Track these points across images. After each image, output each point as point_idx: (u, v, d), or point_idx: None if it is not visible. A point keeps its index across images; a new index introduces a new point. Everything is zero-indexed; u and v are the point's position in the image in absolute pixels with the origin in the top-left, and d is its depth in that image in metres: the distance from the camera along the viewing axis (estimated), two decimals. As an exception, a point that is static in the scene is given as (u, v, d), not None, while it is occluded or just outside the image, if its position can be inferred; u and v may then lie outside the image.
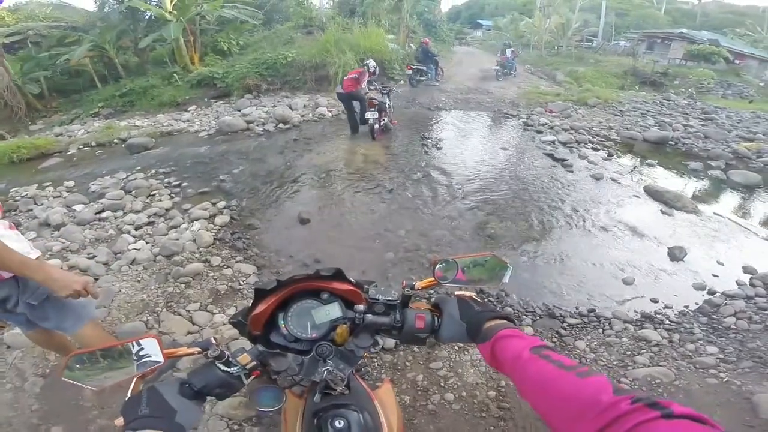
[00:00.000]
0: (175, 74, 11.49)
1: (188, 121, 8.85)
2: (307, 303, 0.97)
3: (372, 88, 6.98)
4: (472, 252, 1.03)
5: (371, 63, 7.11)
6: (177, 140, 7.59)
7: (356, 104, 6.86)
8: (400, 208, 4.59)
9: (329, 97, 10.19)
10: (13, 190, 5.23)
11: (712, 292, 3.28)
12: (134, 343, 0.77)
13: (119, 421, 0.69)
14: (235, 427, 2.00)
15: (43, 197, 5.00)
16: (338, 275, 0.95)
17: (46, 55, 12.08)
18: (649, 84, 15.50)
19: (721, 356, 2.52)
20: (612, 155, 6.75)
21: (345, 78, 6.81)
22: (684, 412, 0.42)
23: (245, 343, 0.96)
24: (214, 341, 0.81)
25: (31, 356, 2.37)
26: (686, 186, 5.96)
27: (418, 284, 0.94)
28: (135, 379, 0.77)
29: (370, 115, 6.56)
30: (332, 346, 0.90)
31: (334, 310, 0.97)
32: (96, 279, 3.18)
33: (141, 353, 0.77)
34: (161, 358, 0.78)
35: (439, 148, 6.71)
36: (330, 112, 8.98)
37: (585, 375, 0.55)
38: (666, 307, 3.10)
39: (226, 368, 0.79)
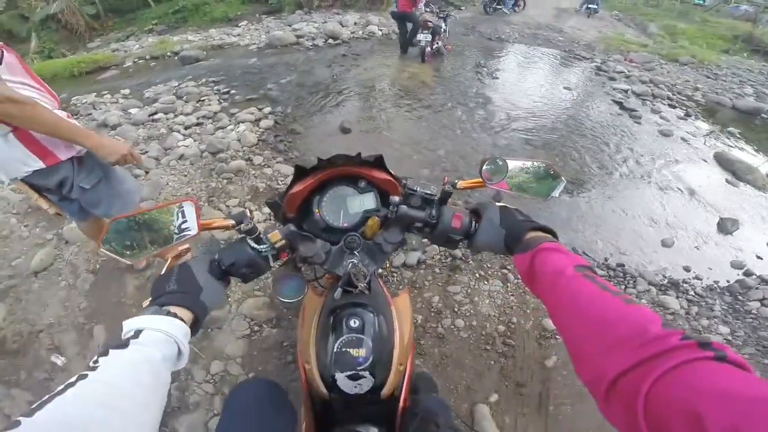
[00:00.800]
0: (227, -10, 11.18)
1: (239, 35, 8.69)
2: (344, 189, 0.95)
3: (428, 10, 6.57)
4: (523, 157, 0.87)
5: None
6: (227, 53, 7.51)
7: (409, 25, 6.59)
8: (443, 128, 4.40)
9: (381, 15, 9.63)
10: (74, 98, 5.44)
11: (748, 273, 2.94)
12: (176, 207, 0.75)
13: (146, 302, 0.67)
14: (256, 327, 2.06)
15: (101, 103, 5.18)
16: (379, 162, 0.92)
17: (100, -24, 12.07)
18: (763, 54, 12.95)
19: (729, 338, 2.40)
20: (690, 115, 5.83)
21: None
22: (735, 359, 0.38)
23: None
24: (248, 214, 0.78)
25: (85, 251, 2.49)
26: (765, 163, 5.05)
27: (461, 183, 0.90)
28: (170, 258, 0.79)
29: (423, 36, 6.23)
30: (361, 239, 0.88)
31: (369, 201, 0.95)
32: (147, 172, 3.32)
33: (180, 223, 0.75)
34: (196, 228, 0.76)
35: (495, 78, 6.22)
36: (381, 30, 8.49)
37: (631, 302, 0.50)
38: (696, 277, 2.85)
39: (255, 245, 0.78)
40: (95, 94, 5.55)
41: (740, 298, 2.72)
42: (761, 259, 3.16)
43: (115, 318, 2.09)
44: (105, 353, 0.50)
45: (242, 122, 4.12)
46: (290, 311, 2.12)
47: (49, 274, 2.38)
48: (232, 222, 0.78)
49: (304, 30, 8.13)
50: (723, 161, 4.56)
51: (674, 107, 6.12)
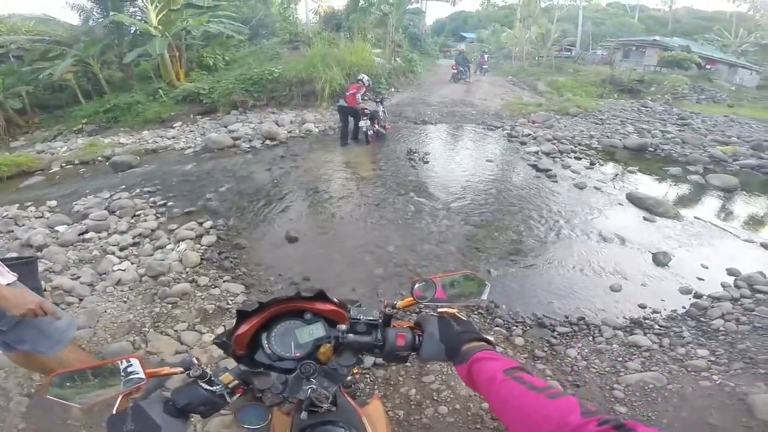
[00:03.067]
0: (160, 90, 11.40)
1: (174, 138, 8.77)
2: (291, 323, 0.99)
3: (366, 98, 7.68)
4: (449, 270, 1.10)
5: (365, 78, 7.94)
6: (162, 158, 7.52)
7: (351, 121, 7.64)
8: (389, 223, 4.64)
9: (316, 112, 10.27)
10: (-7, 209, 5.10)
11: (698, 296, 3.36)
12: (122, 361, 0.79)
13: None
14: None
15: (24, 218, 4.89)
16: (321, 296, 0.97)
17: (28, 69, 11.88)
18: (627, 91, 15.94)
19: (712, 358, 2.56)
20: (594, 164, 6.94)
21: (347, 94, 7.52)
22: None
23: (233, 362, 0.98)
24: (196, 361, 0.82)
25: (15, 376, 2.34)
26: (667, 192, 6.15)
27: (399, 303, 0.96)
28: (120, 397, 0.78)
29: (363, 123, 7.36)
30: (316, 365, 0.91)
31: (318, 330, 0.99)
32: (80, 300, 3.17)
33: (128, 370, 0.79)
34: (144, 377, 0.79)
35: (426, 162, 6.81)
36: (317, 128, 9.01)
37: (555, 396, 0.57)
38: (654, 312, 3.17)
39: (208, 387, 0.80)
40: (17, 205, 5.25)
41: (702, 319, 3.00)
42: (703, 280, 3.61)
43: None
44: None
45: (182, 240, 4.05)
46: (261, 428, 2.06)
47: None
48: (180, 369, 0.81)
49: (240, 131, 8.38)
50: (635, 200, 5.32)
51: (579, 159, 7.15)
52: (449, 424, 2.12)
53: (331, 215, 4.86)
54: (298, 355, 0.96)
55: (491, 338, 0.84)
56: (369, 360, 2.51)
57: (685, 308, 3.19)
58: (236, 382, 0.83)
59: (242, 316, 0.96)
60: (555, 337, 2.84)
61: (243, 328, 0.94)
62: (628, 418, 2.13)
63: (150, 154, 7.80)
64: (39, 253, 3.90)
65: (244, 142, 7.82)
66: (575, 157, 7.23)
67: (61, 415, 2.10)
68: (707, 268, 3.83)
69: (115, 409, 0.75)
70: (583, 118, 10.62)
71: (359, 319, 0.93)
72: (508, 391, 0.62)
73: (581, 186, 5.82)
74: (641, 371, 2.48)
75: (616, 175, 6.55)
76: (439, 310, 0.93)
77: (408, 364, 2.49)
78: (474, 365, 0.72)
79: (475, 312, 3.10)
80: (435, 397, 2.28)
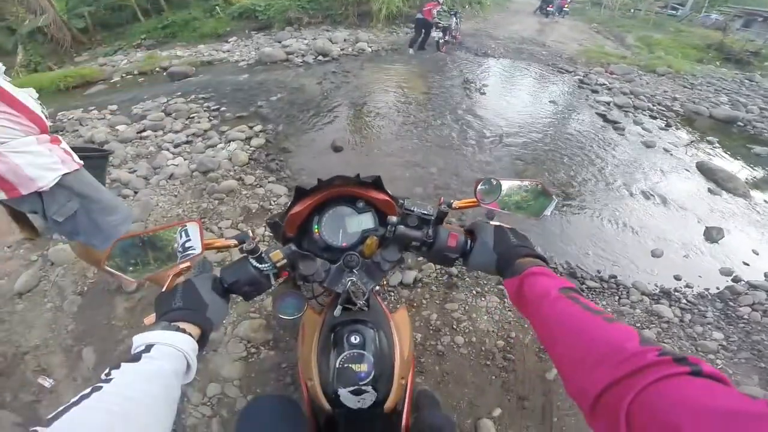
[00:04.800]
0: (216, 6, 11.25)
1: (228, 51, 8.73)
2: (342, 209, 0.98)
3: (440, 10, 8.60)
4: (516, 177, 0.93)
5: None
6: (217, 69, 7.54)
7: (425, 28, 8.43)
8: (434, 145, 4.46)
9: (370, 33, 9.83)
10: (60, 113, 5.35)
11: (736, 280, 3.06)
12: (180, 228, 0.78)
13: (149, 319, 0.70)
14: (253, 349, 2.04)
15: (88, 119, 5.12)
16: (377, 183, 0.95)
17: (89, -10, 12.06)
18: (735, 62, 13.52)
19: (724, 343, 2.47)
20: (670, 126, 6.10)
21: (423, 9, 8.26)
22: (712, 372, 0.41)
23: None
24: (250, 234, 0.84)
25: (71, 273, 2.44)
26: (743, 169, 5.29)
27: (456, 203, 0.91)
28: (171, 276, 0.78)
29: (436, 33, 8.35)
30: (360, 258, 0.90)
31: (367, 220, 0.97)
32: (136, 192, 3.29)
33: (184, 243, 0.77)
34: (200, 248, 0.78)
35: (483, 93, 6.37)
36: (370, 47, 8.64)
37: (612, 320, 0.53)
38: (687, 286, 2.95)
39: (257, 264, 0.80)
40: (82, 109, 5.48)
41: (731, 304, 2.81)
42: (748, 265, 3.28)
43: (105, 340, 2.06)
44: (117, 366, 0.53)
45: (233, 140, 4.10)
46: (287, 332, 2.10)
47: (33, 295, 2.32)
48: (234, 242, 0.81)
49: (294, 47, 8.20)
50: (705, 170, 4.74)
51: (655, 118, 6.36)
52: (461, 355, 2.12)
53: (377, 131, 4.75)
54: (344, 244, 0.95)
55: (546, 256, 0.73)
56: (396, 278, 2.49)
57: (719, 289, 2.95)
58: (284, 261, 0.82)
59: (300, 194, 0.94)
60: (582, 290, 2.68)
61: (298, 207, 0.93)
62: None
63: (205, 65, 7.82)
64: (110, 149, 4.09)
65: (296, 57, 7.68)
66: (650, 116, 6.38)
67: (107, 314, 2.20)
68: (757, 254, 3.42)
69: (165, 286, 0.75)
70: (671, 79, 9.17)
71: (412, 211, 0.88)
72: (563, 308, 0.59)
73: (649, 144, 5.19)
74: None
75: (692, 141, 5.71)
76: (493, 222, 0.87)
77: (434, 288, 2.47)
78: (527, 279, 0.68)
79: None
80: (454, 326, 2.26)
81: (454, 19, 8.94)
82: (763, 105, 8.28)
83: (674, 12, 22.34)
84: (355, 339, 0.81)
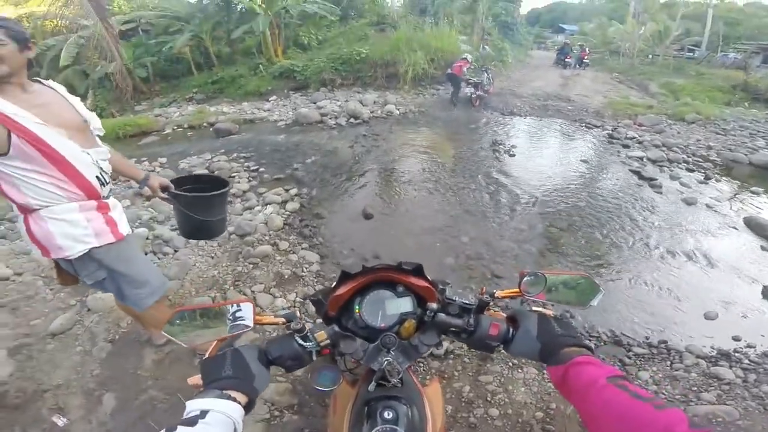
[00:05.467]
0: (260, 65, 12.25)
1: (269, 110, 9.40)
2: (383, 293, 1.01)
3: (470, 67, 9.96)
4: (562, 269, 1.04)
5: (468, 55, 10.35)
6: (258, 127, 8.12)
7: (457, 84, 9.62)
8: (465, 212, 4.53)
9: (398, 95, 10.36)
10: (116, 162, 5.91)
11: None
12: (234, 305, 0.87)
13: (194, 380, 0.76)
14: (276, 413, 2.05)
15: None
16: (418, 271, 0.99)
17: (153, 42, 13.46)
18: (764, 101, 13.55)
19: None
20: (710, 178, 5.98)
21: (454, 65, 9.62)
22: None
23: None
24: (298, 314, 0.91)
25: (105, 321, 2.52)
26: None
27: (499, 293, 0.95)
28: (216, 342, 0.84)
29: (468, 89, 9.68)
30: (397, 338, 0.92)
31: (406, 304, 1.00)
32: (175, 251, 3.38)
33: (236, 315, 0.86)
34: (251, 323, 0.86)
35: (512, 155, 6.51)
36: (398, 110, 9.08)
37: (662, 407, 0.54)
38: (748, 346, 2.81)
39: (302, 342, 0.86)
40: (135, 159, 5.98)
41: None
42: None
43: (128, 388, 2.11)
44: (173, 428, 0.59)
45: (269, 203, 4.35)
46: (313, 398, 2.13)
47: (66, 337, 2.42)
48: (283, 320, 0.88)
49: (327, 108, 8.77)
50: (754, 226, 4.56)
51: (692, 171, 6.25)
52: (496, 428, 2.06)
53: (407, 197, 4.87)
54: (382, 326, 0.98)
55: (592, 344, 0.80)
56: (440, 346, 2.47)
57: None
58: (328, 341, 0.88)
59: (344, 277, 1.00)
60: (629, 357, 2.63)
61: (342, 290, 0.98)
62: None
63: (248, 123, 8.46)
64: (147, 202, 4.26)
65: (330, 118, 8.15)
66: (687, 169, 6.33)
67: (134, 364, 2.25)
68: None
69: (208, 353, 0.81)
70: (702, 126, 9.12)
71: (454, 300, 0.94)
72: (611, 396, 0.60)
73: (690, 202, 5.11)
74: (714, 404, 2.25)
75: (735, 194, 5.59)
76: (535, 308, 0.91)
77: (466, 360, 2.46)
78: (572, 368, 0.70)
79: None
80: (488, 398, 2.21)
81: (486, 74, 10.06)
82: None
83: (691, 54, 22.56)
84: (388, 414, 0.81)
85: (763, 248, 4.22)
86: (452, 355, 2.46)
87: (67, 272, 1.72)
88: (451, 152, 6.59)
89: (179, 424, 0.60)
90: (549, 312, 0.90)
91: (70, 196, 1.53)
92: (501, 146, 6.84)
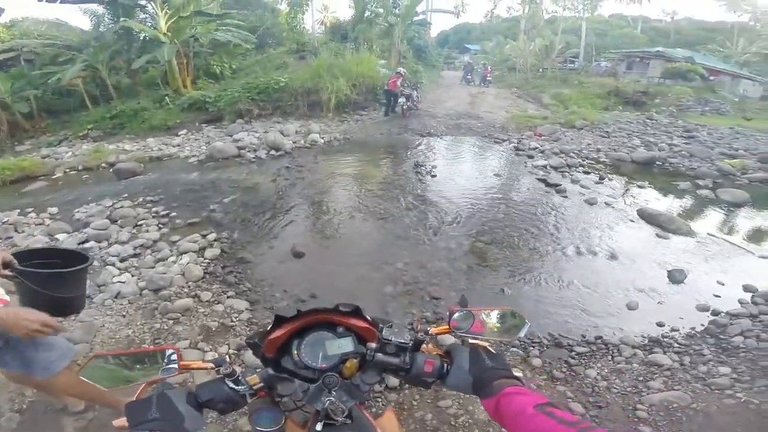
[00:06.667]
0: (166, 97, 11.46)
1: (178, 146, 8.77)
2: (323, 334, 1.00)
3: (406, 84, 11.14)
4: (488, 306, 1.08)
5: (402, 70, 11.55)
6: (166, 165, 7.50)
7: (393, 98, 10.77)
8: (397, 238, 4.56)
9: (322, 123, 10.30)
10: (-7, 215, 5.04)
11: (716, 313, 3.33)
12: (166, 350, 0.87)
13: (120, 422, 0.74)
14: None
15: (24, 224, 4.84)
16: (356, 312, 0.99)
17: (38, 73, 11.97)
18: (632, 103, 15.90)
19: (734, 376, 2.52)
20: (603, 178, 6.89)
21: (389, 81, 10.78)
22: None
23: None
24: (228, 359, 0.85)
25: (6, 391, 2.26)
26: (678, 207, 6.10)
27: (432, 330, 0.99)
28: (143, 385, 0.83)
29: (401, 100, 10.78)
30: (339, 378, 0.92)
31: (347, 345, 0.99)
32: (76, 314, 3.02)
33: (171, 358, 0.86)
34: (176, 369, 0.85)
35: (434, 176, 6.76)
36: (322, 138, 9.00)
37: (588, 430, 0.56)
38: (672, 330, 3.13)
39: (234, 386, 0.84)
40: (18, 211, 5.20)
41: (721, 336, 2.96)
42: (719, 297, 3.57)
43: None
44: None
45: (185, 252, 3.95)
46: None
47: None
48: (212, 365, 0.86)
49: (245, 141, 8.37)
50: (647, 217, 5.27)
51: (588, 173, 7.11)
52: None
53: (338, 229, 4.78)
54: (323, 366, 0.97)
55: (520, 375, 0.83)
56: (380, 383, 2.41)
57: (703, 326, 3.18)
58: (261, 384, 0.87)
59: (279, 320, 0.98)
60: (573, 357, 2.78)
61: (278, 333, 0.97)
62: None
63: (154, 161, 7.77)
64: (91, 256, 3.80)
65: (248, 151, 7.80)
66: (584, 172, 7.20)
67: None
68: (723, 284, 3.81)
69: (136, 395, 0.79)
70: (589, 130, 10.60)
71: (390, 341, 0.93)
72: (538, 424, 0.62)
73: (592, 202, 5.78)
74: (664, 390, 2.45)
75: (626, 190, 6.51)
76: (471, 341, 0.94)
77: (421, 388, 2.42)
78: (503, 399, 0.72)
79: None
80: (452, 422, 2.20)
81: (415, 92, 11.83)
82: (669, 141, 9.68)
83: (573, 65, 25.82)
84: None
85: (658, 236, 4.85)
86: (407, 385, 2.41)
87: None
88: (378, 178, 6.65)
89: None
90: (483, 344, 0.93)
91: None
92: (423, 168, 7.10)
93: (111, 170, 7.20)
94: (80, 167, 7.62)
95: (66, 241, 4.28)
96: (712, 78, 21.11)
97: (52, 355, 1.65)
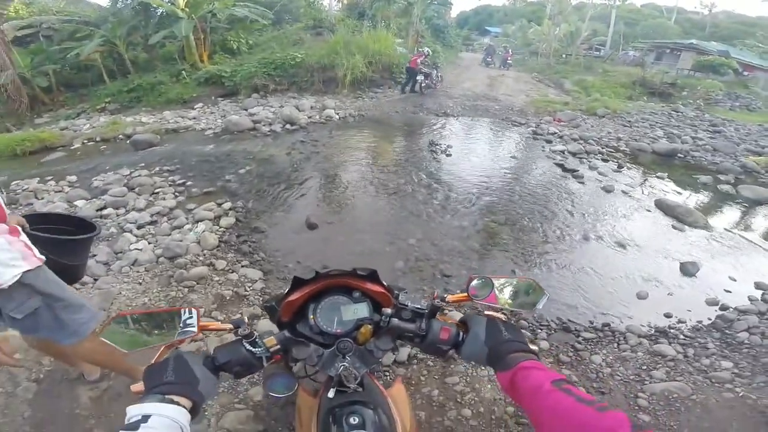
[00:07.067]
0: (183, 71, 11.43)
1: (194, 118, 8.76)
2: (339, 299, 1.00)
3: (426, 63, 11.30)
4: (509, 274, 1.01)
5: (426, 49, 12.02)
6: (182, 138, 7.50)
7: (413, 75, 11.00)
8: (409, 214, 4.51)
9: (337, 99, 10.21)
10: (14, 183, 5.10)
11: (724, 308, 3.28)
12: (185, 311, 0.89)
13: (137, 387, 0.74)
14: None
15: (44, 191, 4.90)
16: (373, 276, 0.99)
17: (56, 48, 12.08)
18: (658, 95, 15.42)
19: (736, 371, 2.53)
20: (622, 167, 6.72)
21: (411, 59, 11.19)
22: None
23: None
24: (246, 320, 0.89)
25: (24, 360, 2.28)
26: (697, 200, 5.93)
27: (450, 297, 0.98)
28: (162, 348, 0.84)
29: (420, 78, 10.92)
30: (353, 344, 0.93)
31: (362, 310, 1.00)
32: (95, 280, 3.09)
33: (187, 321, 0.87)
34: (196, 329, 0.87)
35: (449, 155, 6.68)
36: (337, 114, 8.92)
37: (604, 410, 0.56)
38: (680, 321, 3.10)
39: (251, 348, 0.85)
40: (38, 179, 5.25)
41: (727, 331, 2.95)
42: (730, 292, 3.52)
43: (70, 430, 1.93)
44: None
45: (201, 220, 3.96)
46: (279, 423, 1.99)
47: None
48: (230, 326, 0.88)
49: (260, 115, 8.33)
50: (664, 208, 5.16)
51: (606, 161, 6.96)
52: (472, 427, 2.06)
53: (351, 203, 4.76)
54: (338, 331, 0.97)
55: (536, 348, 0.81)
56: (389, 357, 2.44)
57: (710, 320, 3.13)
58: (278, 347, 0.87)
59: (297, 283, 0.98)
60: (580, 343, 2.76)
61: (295, 295, 0.97)
62: (654, 428, 2.08)
63: (170, 133, 7.77)
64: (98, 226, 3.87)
65: (264, 125, 7.75)
66: (602, 159, 7.03)
67: (68, 404, 2.05)
68: (735, 280, 3.73)
69: (154, 359, 0.80)
70: (611, 119, 10.30)
71: (406, 306, 0.92)
72: (555, 401, 0.62)
73: (609, 189, 5.65)
74: (666, 380, 2.44)
75: (645, 180, 6.35)
76: (487, 312, 0.92)
77: (430, 363, 2.44)
78: (519, 373, 0.72)
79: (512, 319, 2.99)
80: (458, 399, 2.20)
81: (435, 71, 11.77)
82: (693, 134, 9.38)
83: (598, 53, 25.18)
84: (354, 420, 0.80)
85: (674, 227, 4.74)
86: (416, 360, 2.44)
87: None
88: (392, 155, 6.59)
89: (121, 430, 0.60)
90: (500, 315, 0.91)
91: None
92: (438, 147, 7.00)
93: (128, 141, 7.24)
94: (98, 138, 7.67)
95: (84, 207, 4.33)
96: (746, 73, 20.29)
97: (83, 316, 1.64)
